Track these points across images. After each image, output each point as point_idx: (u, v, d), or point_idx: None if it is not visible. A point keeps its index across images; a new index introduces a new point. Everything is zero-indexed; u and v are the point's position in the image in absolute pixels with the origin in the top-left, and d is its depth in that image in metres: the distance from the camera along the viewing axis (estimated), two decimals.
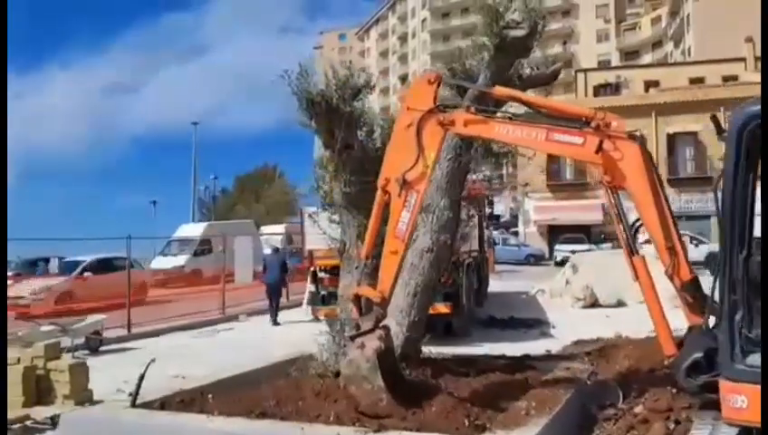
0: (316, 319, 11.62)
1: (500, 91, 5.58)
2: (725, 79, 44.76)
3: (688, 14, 60.54)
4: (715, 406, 4.22)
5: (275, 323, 14.09)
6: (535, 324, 12.57)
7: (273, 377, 7.48)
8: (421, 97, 5.65)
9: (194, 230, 26.44)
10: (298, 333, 13.08)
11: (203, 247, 25.64)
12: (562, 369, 7.10)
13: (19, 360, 7.43)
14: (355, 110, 7.00)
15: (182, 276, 23.33)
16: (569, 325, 12.44)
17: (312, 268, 11.15)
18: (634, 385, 6.33)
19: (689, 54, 58.93)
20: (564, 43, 78.09)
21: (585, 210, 34.03)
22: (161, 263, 24.09)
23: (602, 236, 33.99)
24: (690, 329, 5.04)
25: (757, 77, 44.23)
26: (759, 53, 48.94)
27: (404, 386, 5.78)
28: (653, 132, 33.96)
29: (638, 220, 5.24)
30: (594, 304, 14.64)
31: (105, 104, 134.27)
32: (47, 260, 19.05)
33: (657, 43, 74.85)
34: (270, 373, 7.83)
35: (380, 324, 5.72)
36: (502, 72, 6.71)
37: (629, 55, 75.08)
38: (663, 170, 34.22)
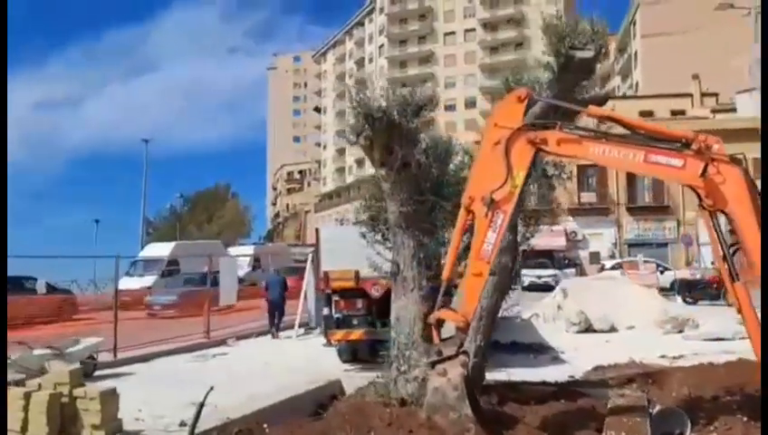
0: (329, 343, 11.22)
1: (594, 110, 5.50)
2: (674, 113, 46.66)
3: (636, 51, 63.20)
4: None
5: (275, 336, 15.24)
6: (541, 349, 12.48)
7: (319, 404, 7.13)
8: (510, 114, 5.51)
9: (161, 250, 25.48)
10: (300, 355, 12.67)
11: (171, 268, 24.71)
12: (616, 396, 6.98)
13: (40, 386, 6.81)
14: (415, 127, 6.80)
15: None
16: (574, 350, 12.42)
17: (326, 291, 10.77)
18: (700, 413, 6.25)
19: (637, 89, 61.37)
20: (514, 74, 79.99)
21: (550, 236, 34.54)
22: (127, 283, 23.02)
23: (566, 261, 34.59)
24: None
25: (702, 112, 46.38)
26: (705, 90, 51.46)
27: (485, 415, 5.54)
28: None
29: (734, 244, 5.18)
30: (588, 329, 14.72)
31: (41, 120, 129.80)
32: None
33: (605, 78, 77.71)
34: (310, 400, 7.48)
35: (462, 350, 5.49)
36: (565, 92, 6.66)
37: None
38: (622, 199, 35.26)
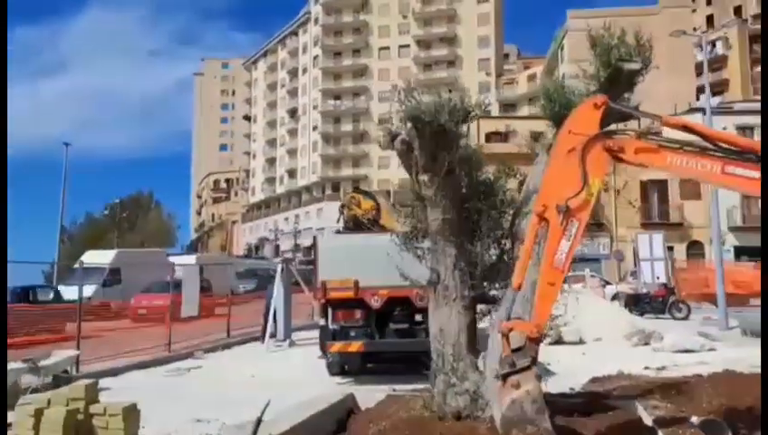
0: (324, 355, 10.79)
1: (669, 119, 5.51)
2: None
3: (563, 74, 65.79)
4: None
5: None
6: None
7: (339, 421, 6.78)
8: (586, 121, 5.43)
9: (102, 258, 24.01)
10: (283, 367, 12.17)
11: (112, 277, 23.34)
12: (650, 407, 7.02)
13: (49, 402, 6.15)
14: (462, 133, 6.65)
15: (90, 309, 20.92)
16: (557, 362, 12.50)
17: (323, 301, 10.38)
18: (739, 423, 6.35)
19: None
20: (449, 91, 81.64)
21: None
22: (65, 293, 21.52)
23: None
24: None
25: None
26: None
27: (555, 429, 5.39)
28: None
29: None
30: (558, 340, 14.94)
31: None
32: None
33: (533, 98, 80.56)
34: (330, 416, 7.10)
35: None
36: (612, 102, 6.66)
37: (508, 108, 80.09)
38: None
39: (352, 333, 10.23)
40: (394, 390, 8.50)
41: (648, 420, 6.48)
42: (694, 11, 78.64)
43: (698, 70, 69.14)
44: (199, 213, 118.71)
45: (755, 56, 77.83)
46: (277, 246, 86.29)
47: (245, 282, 32.04)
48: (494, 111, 76.72)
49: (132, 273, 23.01)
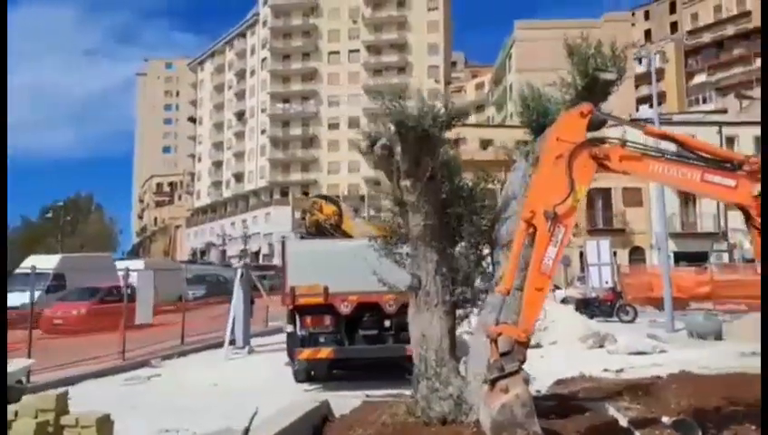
0: (292, 362, 10.60)
1: (652, 129, 5.68)
2: None
3: (511, 84, 67.22)
4: None
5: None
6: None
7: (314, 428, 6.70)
8: (572, 129, 5.55)
9: (46, 263, 23.02)
10: (246, 375, 11.92)
11: (56, 283, 22.38)
12: (622, 409, 7.20)
13: (17, 414, 5.85)
14: (445, 139, 6.69)
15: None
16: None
17: (291, 307, 10.23)
18: (708, 423, 6.55)
19: (511, 119, 65.13)
20: (399, 97, 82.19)
21: None
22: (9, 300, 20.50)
23: None
24: None
25: None
26: None
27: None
28: None
29: None
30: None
31: None
32: None
33: (480, 107, 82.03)
34: (306, 424, 6.99)
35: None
36: None
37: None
38: None
39: (321, 340, 10.13)
40: (367, 396, 8.46)
41: (623, 422, 6.63)
42: (633, 25, 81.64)
43: (637, 82, 71.98)
44: (141, 217, 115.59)
45: (689, 70, 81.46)
46: (224, 252, 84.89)
47: (194, 288, 31.28)
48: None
49: (77, 278, 22.12)
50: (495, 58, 76.86)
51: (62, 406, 5.99)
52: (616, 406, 7.40)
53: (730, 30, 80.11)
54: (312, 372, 10.71)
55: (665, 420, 6.81)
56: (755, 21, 78.23)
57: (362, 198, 79.44)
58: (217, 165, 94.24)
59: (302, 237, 15.15)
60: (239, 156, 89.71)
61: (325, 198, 16.10)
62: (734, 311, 21.74)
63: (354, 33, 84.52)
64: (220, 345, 16.57)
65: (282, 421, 6.90)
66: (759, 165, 5.33)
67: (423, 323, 6.69)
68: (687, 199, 40.38)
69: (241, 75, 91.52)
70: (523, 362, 5.41)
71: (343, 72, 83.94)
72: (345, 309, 10.01)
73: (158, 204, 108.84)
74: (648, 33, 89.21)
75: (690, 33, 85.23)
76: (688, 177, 5.40)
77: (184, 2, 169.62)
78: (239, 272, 15.44)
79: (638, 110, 67.31)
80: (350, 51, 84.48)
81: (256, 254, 76.36)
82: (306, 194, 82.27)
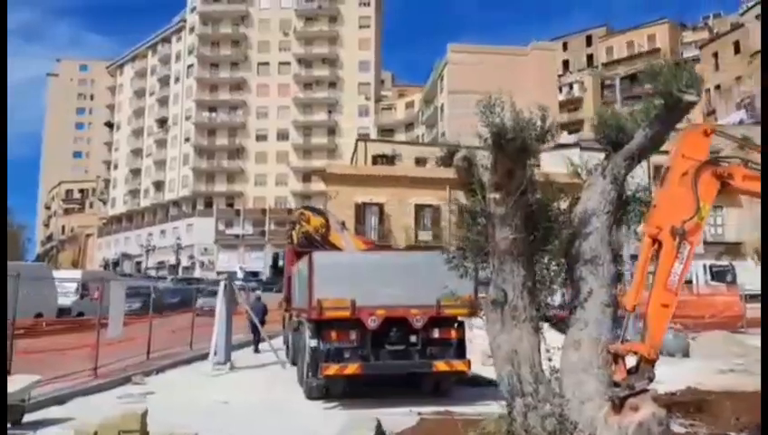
0: (313, 377, 10.01)
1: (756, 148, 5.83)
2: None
3: (442, 104, 68.59)
4: None
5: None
6: (488, 381, 12.46)
7: None
8: (697, 147, 5.65)
9: None
10: (248, 390, 11.28)
11: None
12: (687, 426, 7.31)
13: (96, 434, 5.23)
14: (540, 151, 6.61)
15: None
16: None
17: (314, 320, 9.75)
18: None
19: (442, 137, 66.30)
20: (329, 112, 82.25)
21: None
22: None
23: None
24: None
25: None
26: None
27: None
28: (446, 204, 37.19)
29: None
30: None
31: None
32: None
33: (409, 125, 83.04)
34: None
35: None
36: (664, 133, 6.95)
37: (385, 132, 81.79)
38: (453, 241, 37.47)
39: (347, 355, 9.74)
40: (420, 414, 8.18)
41: None
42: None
43: (565, 107, 75.45)
44: (47, 225, 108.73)
45: (606, 100, 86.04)
46: (139, 263, 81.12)
47: (130, 301, 29.58)
48: (373, 134, 78.06)
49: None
50: (421, 78, 78.29)
51: (144, 425, 5.41)
52: (682, 422, 7.51)
53: (640, 65, 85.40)
54: (328, 389, 10.29)
55: None
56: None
57: (289, 211, 78.26)
58: (135, 172, 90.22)
59: (295, 249, 14.62)
60: (160, 164, 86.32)
61: (312, 209, 15.66)
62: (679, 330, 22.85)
63: (285, 46, 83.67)
64: (189, 361, 15.74)
65: None
66: None
67: (512, 339, 6.52)
68: None
69: (165, 81, 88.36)
70: (652, 379, 5.38)
71: (273, 83, 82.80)
72: (372, 324, 9.68)
73: (67, 211, 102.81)
74: (566, 64, 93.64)
75: (605, 65, 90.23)
76: None
77: (98, 1, 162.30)
78: (222, 285, 14.70)
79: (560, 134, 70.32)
80: (281, 63, 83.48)
81: (175, 266, 73.52)
82: (231, 205, 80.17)
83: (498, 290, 6.72)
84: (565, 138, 70.90)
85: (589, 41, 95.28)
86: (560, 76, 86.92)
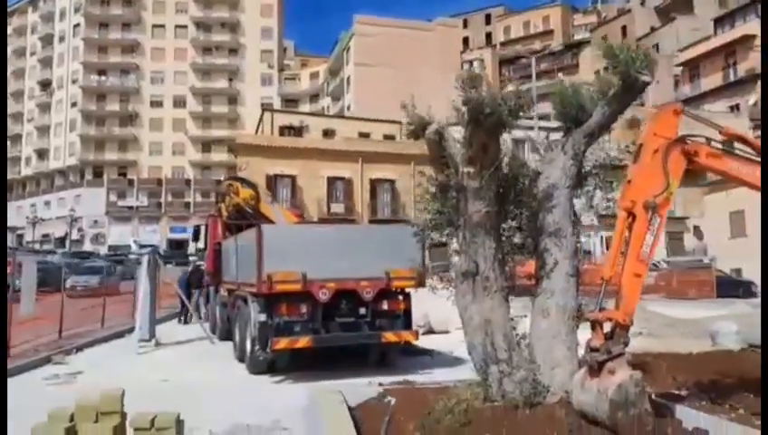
0: (267, 353, 9.75)
1: (729, 130, 6.23)
2: (386, 137, 51.43)
3: (349, 76, 68.13)
4: None
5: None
6: (422, 350, 12.77)
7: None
8: (667, 125, 5.98)
9: None
10: (187, 366, 10.89)
11: None
12: None
13: (72, 419, 4.91)
14: (513, 126, 6.74)
15: None
16: (451, 350, 13.13)
17: (264, 294, 9.50)
18: (711, 395, 7.34)
19: (348, 110, 66.09)
20: (230, 79, 79.50)
21: None
22: None
23: None
24: None
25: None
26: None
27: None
28: (359, 177, 37.30)
29: None
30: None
31: None
32: None
33: (314, 96, 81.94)
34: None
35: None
36: (620, 111, 7.31)
37: (290, 103, 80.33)
38: (366, 213, 37.72)
39: (297, 329, 9.62)
40: (380, 384, 8.23)
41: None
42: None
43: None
44: None
45: (504, 78, 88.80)
46: (20, 236, 75.48)
47: (88, 278, 27.93)
48: (276, 104, 76.38)
49: None
50: (320, 49, 77.32)
51: (122, 407, 5.13)
52: None
53: (537, 45, 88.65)
54: (273, 363, 10.15)
55: (683, 392, 7.55)
56: (557, 39, 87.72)
57: (188, 181, 75.42)
58: (15, 139, 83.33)
59: (226, 223, 14.16)
60: (43, 130, 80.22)
61: (241, 180, 15.16)
62: None
63: (182, 7, 79.59)
64: (107, 339, 15.01)
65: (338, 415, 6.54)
66: None
67: (484, 309, 6.69)
68: None
69: (47, 41, 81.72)
70: (627, 344, 5.72)
71: (169, 47, 78.71)
72: (323, 296, 9.61)
73: None
74: (465, 41, 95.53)
75: (503, 44, 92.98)
76: (755, 174, 6.06)
77: None
78: (145, 259, 13.99)
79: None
80: (177, 26, 79.39)
81: (62, 239, 69.10)
82: (124, 175, 76.06)
83: (470, 262, 6.86)
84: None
85: (488, 19, 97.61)
86: (461, 53, 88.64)
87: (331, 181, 37.28)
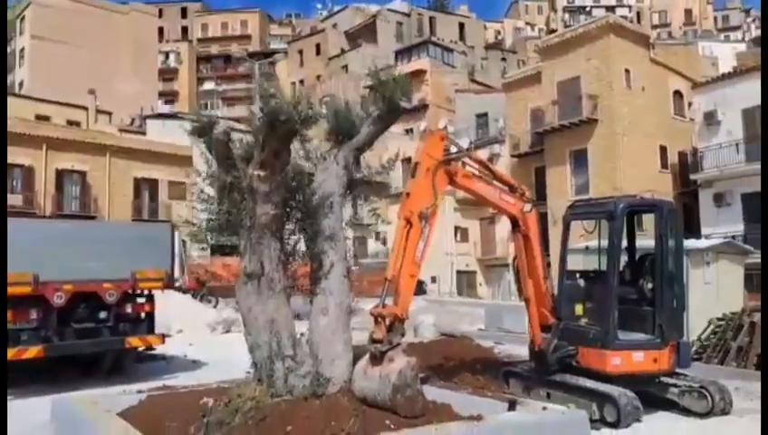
0: None
1: (475, 156, 7.47)
2: (70, 123, 46.76)
3: (24, 48, 59.68)
4: None
5: None
6: (154, 356, 12.19)
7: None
8: (436, 148, 7.02)
9: None
10: None
11: None
12: None
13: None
14: (304, 135, 7.10)
15: None
16: (184, 353, 12.86)
17: None
18: (439, 374, 8.74)
19: (21, 87, 57.79)
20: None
21: None
22: None
23: None
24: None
25: (107, 128, 48.05)
26: (100, 107, 53.26)
27: None
28: (42, 166, 33.15)
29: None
30: (229, 330, 15.37)
31: None
32: None
33: None
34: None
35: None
36: (383, 130, 8.24)
37: None
38: (50, 206, 33.44)
39: (24, 337, 8.44)
40: (139, 391, 7.67)
41: None
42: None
43: (160, 76, 73.66)
44: None
45: (201, 76, 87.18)
46: None
47: None
48: None
49: None
50: None
51: None
52: None
53: (235, 47, 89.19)
54: None
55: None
56: (255, 45, 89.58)
57: None
58: None
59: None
60: None
61: None
62: None
63: None
64: None
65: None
66: (522, 190, 7.83)
67: (269, 309, 6.92)
68: None
69: None
70: (403, 335, 6.59)
71: None
72: (59, 300, 8.63)
73: None
74: (161, 31, 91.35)
75: (200, 41, 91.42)
76: (495, 195, 7.52)
77: None
78: None
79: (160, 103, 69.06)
80: None
81: None
82: None
83: (256, 263, 7.02)
84: (161, 107, 69.71)
85: (184, 13, 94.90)
86: (160, 43, 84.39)
87: (9, 168, 32.22)
